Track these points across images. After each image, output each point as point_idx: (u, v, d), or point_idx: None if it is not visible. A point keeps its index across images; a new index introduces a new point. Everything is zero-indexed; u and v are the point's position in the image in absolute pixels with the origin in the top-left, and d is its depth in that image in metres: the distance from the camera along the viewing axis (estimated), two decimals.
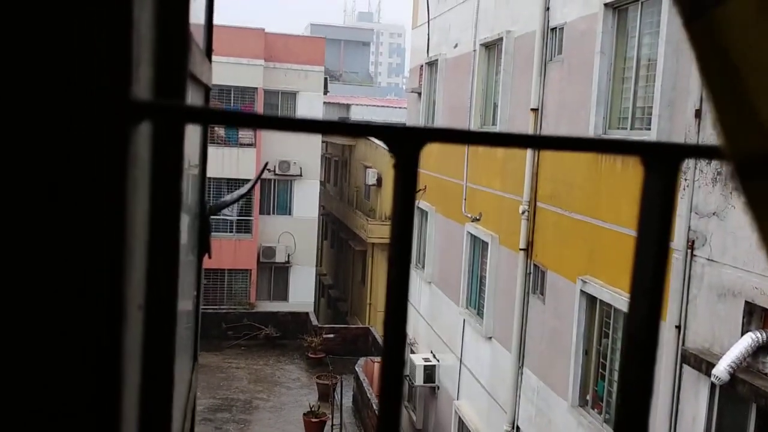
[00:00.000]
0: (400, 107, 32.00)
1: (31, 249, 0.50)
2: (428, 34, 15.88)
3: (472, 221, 12.82)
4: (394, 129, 0.54)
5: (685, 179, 7.16)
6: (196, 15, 1.36)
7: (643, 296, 0.57)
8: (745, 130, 0.50)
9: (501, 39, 11.99)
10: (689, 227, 7.07)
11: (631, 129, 8.47)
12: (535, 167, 10.58)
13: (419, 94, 16.65)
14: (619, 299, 8.11)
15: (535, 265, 10.64)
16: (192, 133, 1.46)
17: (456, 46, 14.43)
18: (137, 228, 0.63)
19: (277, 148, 25.76)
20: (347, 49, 76.12)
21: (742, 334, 6.23)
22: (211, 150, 25.51)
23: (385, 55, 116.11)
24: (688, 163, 7.09)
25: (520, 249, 10.83)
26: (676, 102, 7.42)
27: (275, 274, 26.88)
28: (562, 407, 9.59)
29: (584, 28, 9.39)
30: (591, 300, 9.06)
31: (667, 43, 7.53)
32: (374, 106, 35.10)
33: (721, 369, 6.11)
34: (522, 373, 10.93)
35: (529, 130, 10.70)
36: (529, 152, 10.69)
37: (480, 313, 12.74)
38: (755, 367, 6.15)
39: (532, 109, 10.68)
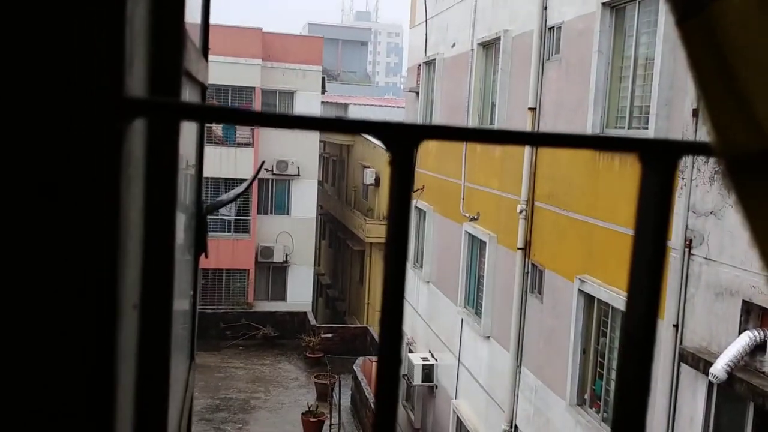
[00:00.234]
0: (397, 107, 32.01)
1: (24, 248, 0.50)
2: (426, 34, 15.88)
3: (470, 221, 12.82)
4: (391, 126, 0.54)
5: (683, 178, 7.16)
6: (193, 14, 1.36)
7: (641, 294, 0.57)
8: (741, 127, 0.49)
9: (499, 38, 11.99)
10: (687, 226, 7.07)
11: (628, 128, 8.47)
12: (533, 166, 10.58)
13: (417, 93, 16.65)
14: (617, 298, 8.11)
15: (533, 265, 10.64)
16: (188, 132, 1.45)
17: (454, 45, 14.42)
18: (132, 227, 0.63)
19: (275, 147, 25.74)
20: (345, 49, 76.10)
21: (740, 332, 6.24)
22: (209, 149, 25.56)
23: (383, 55, 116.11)
24: (686, 162, 7.10)
25: (518, 248, 10.83)
26: (674, 101, 7.42)
27: (273, 273, 26.86)
28: (560, 406, 9.59)
29: (582, 27, 9.39)
30: (589, 299, 9.07)
31: (664, 42, 7.54)
32: (372, 105, 35.09)
33: (719, 368, 6.11)
34: (520, 372, 10.93)
35: (527, 129, 10.70)
36: (526, 151, 10.70)
37: (478, 313, 12.74)
38: (753, 365, 6.15)
39: (529, 109, 10.68)
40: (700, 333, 6.87)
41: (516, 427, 11.01)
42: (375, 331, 22.87)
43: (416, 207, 16.25)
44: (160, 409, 0.88)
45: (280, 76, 26.26)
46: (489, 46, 12.74)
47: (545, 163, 10.29)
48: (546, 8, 10.39)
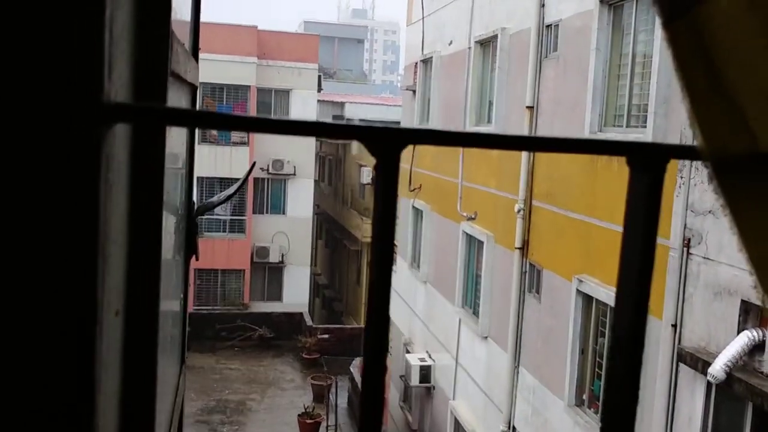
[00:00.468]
0: (394, 105, 31.98)
1: None
2: (423, 31, 15.87)
3: (468, 220, 12.82)
4: (374, 130, 0.53)
5: (681, 177, 7.16)
6: (182, 12, 1.34)
7: (630, 297, 0.56)
8: (729, 129, 0.49)
9: (496, 36, 11.98)
10: (685, 225, 7.07)
11: (626, 126, 8.47)
12: (531, 166, 10.57)
13: (414, 91, 16.64)
14: None
15: (530, 264, 10.64)
16: (178, 132, 1.44)
17: (451, 43, 14.42)
18: (114, 232, 0.62)
19: (271, 146, 25.72)
20: (341, 47, 76.06)
21: (738, 332, 6.24)
22: (204, 149, 25.56)
23: (380, 53, 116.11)
24: (684, 161, 7.09)
25: (516, 248, 10.83)
26: (672, 99, 7.42)
27: (269, 274, 26.84)
28: (558, 407, 9.59)
29: (580, 24, 9.39)
30: (587, 299, 9.07)
31: (662, 40, 7.54)
32: (369, 103, 35.06)
33: (717, 368, 6.11)
34: (518, 373, 10.93)
35: (525, 127, 10.70)
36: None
37: (476, 313, 12.74)
38: (751, 365, 6.15)
39: (527, 107, 10.67)
40: (699, 333, 6.87)
41: (514, 427, 11.01)
42: None
43: (413, 206, 16.25)
44: (147, 416, 0.87)
45: (275, 75, 26.23)
46: (486, 43, 12.74)
47: (543, 162, 10.29)
48: (543, 6, 10.39)
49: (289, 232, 26.50)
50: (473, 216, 12.64)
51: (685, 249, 7.03)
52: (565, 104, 9.77)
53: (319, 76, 27.88)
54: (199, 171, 23.81)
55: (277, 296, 26.79)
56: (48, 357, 0.50)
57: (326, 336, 23.32)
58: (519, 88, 10.99)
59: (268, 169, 25.97)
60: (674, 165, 7.06)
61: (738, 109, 0.49)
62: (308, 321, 24.94)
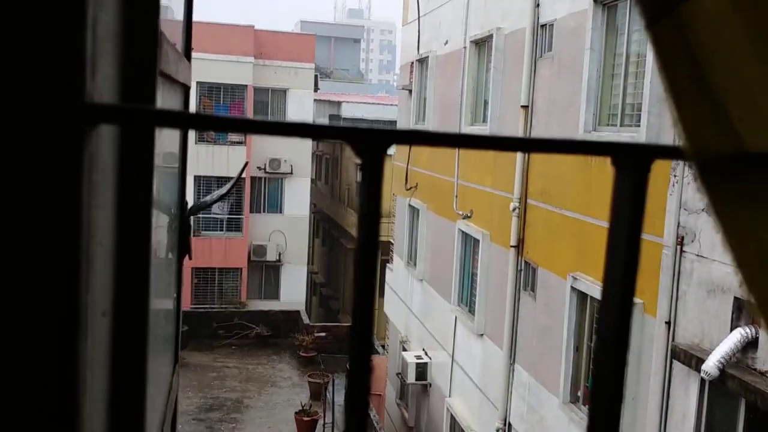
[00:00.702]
0: (391, 104, 31.95)
1: None
2: (419, 31, 15.87)
3: (464, 218, 12.83)
4: (358, 131, 0.53)
5: (674, 176, 7.18)
6: (173, 12, 1.34)
7: (615, 296, 0.56)
8: (713, 129, 0.49)
9: (491, 36, 11.98)
10: (678, 223, 7.08)
11: (621, 126, 8.48)
12: (526, 164, 10.59)
13: (410, 91, 16.64)
14: None
15: (526, 262, 10.65)
16: (171, 131, 1.44)
17: (446, 43, 14.42)
18: (100, 232, 0.62)
19: (268, 146, 25.70)
20: (338, 46, 76.00)
21: (732, 329, 6.26)
22: (201, 148, 25.50)
23: (376, 52, 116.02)
24: (677, 161, 7.10)
25: (511, 246, 10.84)
26: (666, 100, 7.43)
27: (266, 272, 26.82)
28: (553, 404, 9.61)
29: (574, 24, 9.39)
30: (581, 296, 9.08)
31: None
32: (365, 103, 35.03)
33: (711, 364, 6.13)
34: (513, 370, 10.94)
35: (520, 127, 10.71)
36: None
37: (471, 311, 12.75)
38: (744, 362, 6.17)
39: (522, 106, 10.68)
40: (692, 330, 6.88)
41: (509, 424, 11.02)
42: None
43: (410, 205, 16.25)
44: (137, 416, 0.87)
45: (272, 74, 26.20)
46: (481, 43, 12.74)
47: (538, 161, 10.30)
48: (538, 6, 10.39)
49: (286, 230, 26.48)
50: (469, 214, 12.65)
51: (678, 247, 7.05)
52: (559, 104, 9.77)
53: (316, 76, 27.86)
54: (196, 170, 23.80)
55: (274, 295, 26.78)
56: (29, 357, 0.50)
57: (323, 334, 23.32)
58: (514, 88, 11.00)
59: (265, 168, 25.95)
60: (667, 164, 7.08)
61: (722, 110, 0.49)
62: (305, 319, 24.94)
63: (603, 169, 8.48)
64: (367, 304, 0.53)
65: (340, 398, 19.43)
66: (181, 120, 0.49)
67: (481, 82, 12.86)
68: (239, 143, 25.52)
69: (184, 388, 19.15)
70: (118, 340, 0.78)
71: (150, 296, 0.90)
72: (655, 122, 7.55)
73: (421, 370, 14.77)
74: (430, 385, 14.80)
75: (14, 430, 0.51)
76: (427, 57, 15.41)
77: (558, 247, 9.69)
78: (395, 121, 21.64)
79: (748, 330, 6.09)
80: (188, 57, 1.62)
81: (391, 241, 18.30)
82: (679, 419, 6.97)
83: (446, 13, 14.54)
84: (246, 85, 25.64)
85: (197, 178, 23.85)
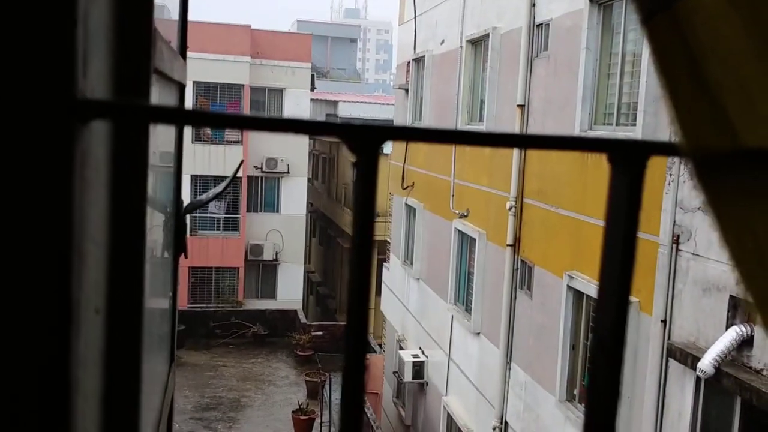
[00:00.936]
0: (387, 104, 31.96)
1: None
2: (415, 31, 15.86)
3: (460, 217, 12.83)
4: (352, 127, 0.53)
5: (670, 174, 7.19)
6: (169, 11, 1.34)
7: (612, 295, 0.56)
8: (711, 127, 0.48)
9: (487, 35, 11.99)
10: (674, 222, 7.10)
11: (616, 125, 8.49)
12: (522, 163, 10.59)
13: (407, 90, 16.64)
14: None
15: (522, 261, 10.66)
16: (166, 129, 1.43)
17: (443, 42, 14.42)
18: (93, 229, 0.61)
19: (265, 145, 25.68)
20: (334, 46, 76.00)
21: (727, 327, 6.27)
22: (198, 147, 25.47)
23: (372, 52, 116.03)
24: (673, 158, 7.12)
25: (508, 245, 10.85)
26: (662, 97, 7.44)
27: (263, 271, 26.81)
28: (549, 402, 9.62)
29: (570, 24, 9.40)
30: (578, 295, 9.09)
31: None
32: (361, 102, 35.03)
33: (707, 363, 6.14)
34: (510, 369, 10.95)
35: (516, 126, 10.71)
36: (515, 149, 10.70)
37: (468, 309, 12.76)
38: (740, 360, 6.18)
39: (518, 106, 10.69)
40: (688, 328, 6.90)
41: (506, 423, 11.03)
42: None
43: (406, 204, 16.25)
44: (131, 414, 0.86)
45: (269, 74, 26.18)
46: (478, 43, 12.75)
47: (534, 159, 10.30)
48: (534, 5, 10.40)
49: (283, 229, 26.47)
50: (465, 213, 12.65)
51: (674, 245, 7.06)
52: (555, 103, 9.78)
53: (313, 75, 27.85)
54: (193, 169, 23.78)
55: (271, 294, 26.77)
56: (20, 354, 0.50)
57: (320, 333, 23.32)
58: (510, 87, 11.01)
59: (261, 168, 25.93)
60: (663, 162, 7.09)
61: (720, 106, 0.48)
62: (302, 318, 24.94)
63: (599, 167, 8.49)
64: (362, 301, 0.53)
65: (336, 397, 19.43)
66: (174, 116, 0.49)
67: (477, 82, 12.86)
68: (236, 142, 25.50)
69: (182, 388, 19.14)
70: (113, 338, 0.78)
71: (145, 294, 0.89)
72: (651, 121, 7.56)
73: (418, 368, 14.79)
74: (427, 383, 14.81)
75: (6, 429, 0.51)
76: (424, 56, 15.42)
77: (554, 246, 9.70)
78: (392, 121, 21.66)
79: (743, 328, 6.10)
80: (183, 56, 1.62)
81: (388, 240, 18.31)
82: (674, 417, 6.99)
83: (442, 13, 14.54)
84: (243, 85, 25.62)
85: (194, 177, 23.83)
